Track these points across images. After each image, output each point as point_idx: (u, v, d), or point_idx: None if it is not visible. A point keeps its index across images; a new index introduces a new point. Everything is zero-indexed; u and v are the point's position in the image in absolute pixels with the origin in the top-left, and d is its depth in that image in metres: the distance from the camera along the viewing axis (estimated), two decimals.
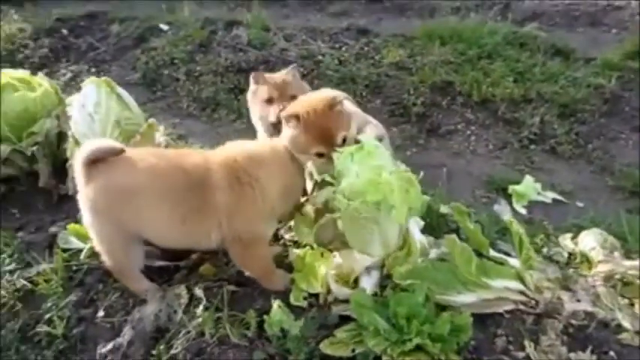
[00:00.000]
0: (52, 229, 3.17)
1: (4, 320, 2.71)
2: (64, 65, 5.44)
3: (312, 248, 2.75)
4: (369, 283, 2.62)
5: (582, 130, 4.06)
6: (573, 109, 4.18)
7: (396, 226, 2.65)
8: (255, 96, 3.09)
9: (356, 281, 2.64)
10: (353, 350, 2.26)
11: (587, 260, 2.80)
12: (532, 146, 4.01)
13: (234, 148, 2.58)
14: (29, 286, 2.82)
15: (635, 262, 2.68)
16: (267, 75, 3.11)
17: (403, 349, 2.15)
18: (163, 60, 5.08)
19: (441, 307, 2.44)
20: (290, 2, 6.33)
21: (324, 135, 2.57)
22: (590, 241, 2.87)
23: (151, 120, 3.34)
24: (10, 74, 3.62)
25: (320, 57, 4.75)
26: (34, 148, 3.46)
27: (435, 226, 2.93)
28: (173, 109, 4.67)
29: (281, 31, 5.26)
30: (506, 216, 3.42)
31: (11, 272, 2.92)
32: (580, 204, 3.52)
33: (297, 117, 2.53)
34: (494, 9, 5.29)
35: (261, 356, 2.35)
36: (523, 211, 3.49)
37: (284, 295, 2.63)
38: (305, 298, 2.63)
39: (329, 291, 2.59)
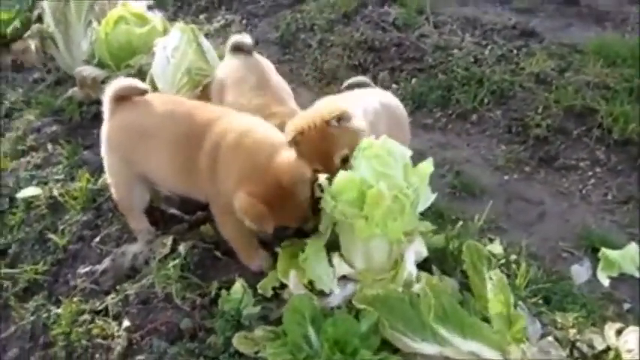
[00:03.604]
0: None
1: (33, 220, 3.30)
2: (222, 12, 6.02)
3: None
4: (339, 294, 2.62)
5: None
6: None
7: (383, 244, 2.60)
8: None
9: None
10: (256, 352, 2.31)
11: None
12: None
13: (243, 122, 2.69)
14: (58, 198, 3.37)
15: None
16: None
17: None
18: (304, 24, 5.34)
19: (394, 349, 2.35)
20: None
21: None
22: (631, 341, 2.46)
23: None
24: (128, 8, 4.22)
25: (456, 51, 4.59)
26: None
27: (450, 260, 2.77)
28: (294, 74, 4.91)
29: (435, 17, 5.17)
30: (579, 281, 3.07)
31: (57, 181, 3.49)
32: None
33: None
34: None
35: (188, 324, 2.52)
36: (605, 282, 3.05)
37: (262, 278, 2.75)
38: (275, 288, 2.71)
39: None
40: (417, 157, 2.76)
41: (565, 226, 3.41)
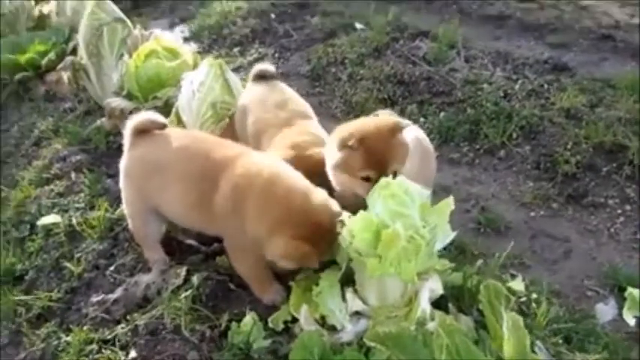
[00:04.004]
0: None
1: (51, 248, 3.34)
2: (256, 46, 6.14)
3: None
4: (351, 330, 2.56)
5: None
6: None
7: (398, 281, 2.54)
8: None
9: None
10: None
11: None
12: None
13: (267, 164, 2.64)
14: (76, 227, 3.41)
15: None
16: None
17: None
18: (335, 58, 5.40)
19: None
20: (510, 23, 6.11)
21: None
22: None
23: None
24: (161, 42, 4.33)
25: (485, 85, 4.54)
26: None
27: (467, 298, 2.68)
28: (323, 106, 4.95)
29: (466, 51, 5.15)
30: (603, 320, 2.97)
31: (77, 209, 3.54)
32: None
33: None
34: None
35: (195, 357, 2.49)
36: (631, 322, 2.94)
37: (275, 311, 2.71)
38: (286, 322, 2.67)
39: None
40: (443, 192, 2.71)
41: (591, 264, 3.33)
